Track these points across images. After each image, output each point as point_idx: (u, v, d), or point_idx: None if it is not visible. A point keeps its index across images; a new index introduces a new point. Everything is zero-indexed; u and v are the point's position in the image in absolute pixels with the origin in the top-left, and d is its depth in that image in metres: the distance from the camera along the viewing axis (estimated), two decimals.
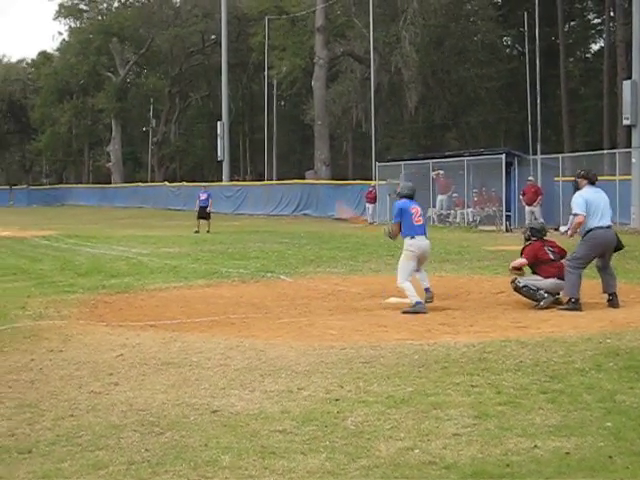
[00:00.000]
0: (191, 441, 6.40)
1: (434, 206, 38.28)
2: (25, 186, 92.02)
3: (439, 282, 16.44)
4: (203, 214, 36.27)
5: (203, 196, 37.14)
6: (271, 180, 60.28)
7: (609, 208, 13.29)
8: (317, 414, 7.04)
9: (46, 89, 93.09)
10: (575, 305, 12.72)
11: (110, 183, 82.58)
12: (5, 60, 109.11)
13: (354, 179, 53.60)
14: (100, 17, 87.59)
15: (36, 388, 8.21)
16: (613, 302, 12.97)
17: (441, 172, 38.02)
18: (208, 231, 34.80)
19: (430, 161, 39.10)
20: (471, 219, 36.93)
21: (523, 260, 13.77)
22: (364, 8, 53.51)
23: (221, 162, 61.74)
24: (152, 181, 78.35)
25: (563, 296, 13.20)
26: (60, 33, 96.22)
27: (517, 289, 13.40)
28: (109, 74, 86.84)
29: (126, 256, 22.94)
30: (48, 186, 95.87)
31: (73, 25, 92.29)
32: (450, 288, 15.63)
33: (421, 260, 13.53)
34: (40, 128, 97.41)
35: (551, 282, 13.20)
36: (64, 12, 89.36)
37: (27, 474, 5.77)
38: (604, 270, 13.18)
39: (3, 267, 20.55)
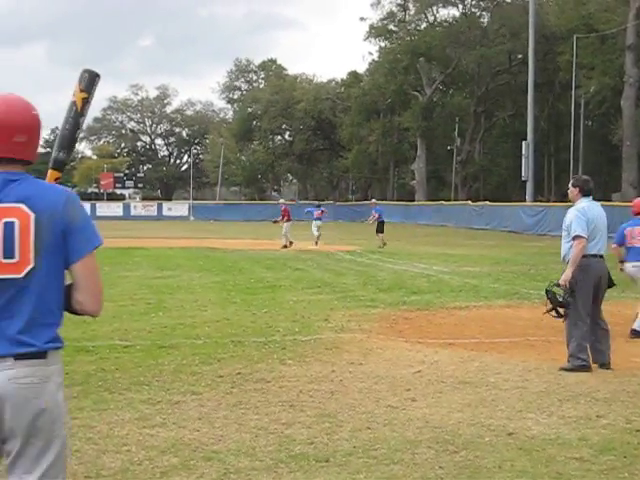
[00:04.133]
0: (485, 462, 6.36)
1: None
2: (332, 202, 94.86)
3: None
4: (380, 228, 37.94)
5: (376, 214, 39.08)
6: None
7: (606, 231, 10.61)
8: (616, 444, 6.81)
9: (355, 108, 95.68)
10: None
11: (413, 200, 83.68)
12: (316, 80, 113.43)
13: None
14: (409, 37, 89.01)
15: (335, 399, 8.44)
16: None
17: None
18: (384, 244, 36.53)
19: None
20: None
21: None
22: None
23: (525, 182, 61.04)
24: (455, 199, 78.67)
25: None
26: (370, 53, 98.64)
27: None
28: (416, 93, 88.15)
29: (427, 273, 23.13)
30: (354, 202, 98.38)
31: (383, 45, 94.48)
32: None
33: None
34: (347, 146, 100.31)
35: None
36: (374, 33, 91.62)
37: None
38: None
39: (309, 280, 21.27)
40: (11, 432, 3.52)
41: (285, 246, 35.66)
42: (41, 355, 3.51)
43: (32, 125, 3.66)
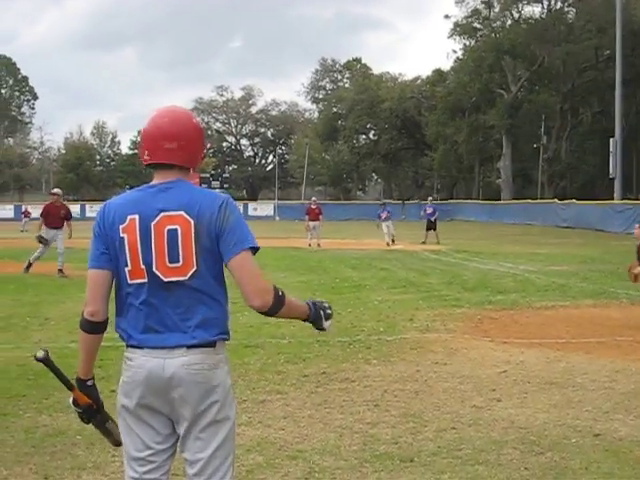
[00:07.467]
0: (571, 463, 6.31)
1: None
2: (417, 201, 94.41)
3: None
4: (431, 226, 39.82)
5: (429, 210, 40.92)
6: None
7: None
8: None
9: (440, 107, 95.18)
10: None
11: (499, 199, 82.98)
12: (401, 79, 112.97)
13: None
14: (493, 35, 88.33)
15: (420, 399, 8.45)
16: None
17: None
18: (438, 242, 37.98)
19: None
20: None
21: None
22: None
23: (613, 179, 60.08)
24: (542, 198, 77.72)
25: None
26: (454, 51, 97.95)
27: None
28: (501, 91, 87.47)
29: (513, 272, 22.92)
30: (438, 201, 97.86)
31: (467, 43, 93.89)
32: None
33: None
34: (433, 145, 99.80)
35: None
36: (459, 30, 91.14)
37: None
38: None
39: (394, 279, 21.26)
40: (182, 413, 3.77)
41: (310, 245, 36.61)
42: (210, 344, 3.78)
43: (184, 134, 3.85)
